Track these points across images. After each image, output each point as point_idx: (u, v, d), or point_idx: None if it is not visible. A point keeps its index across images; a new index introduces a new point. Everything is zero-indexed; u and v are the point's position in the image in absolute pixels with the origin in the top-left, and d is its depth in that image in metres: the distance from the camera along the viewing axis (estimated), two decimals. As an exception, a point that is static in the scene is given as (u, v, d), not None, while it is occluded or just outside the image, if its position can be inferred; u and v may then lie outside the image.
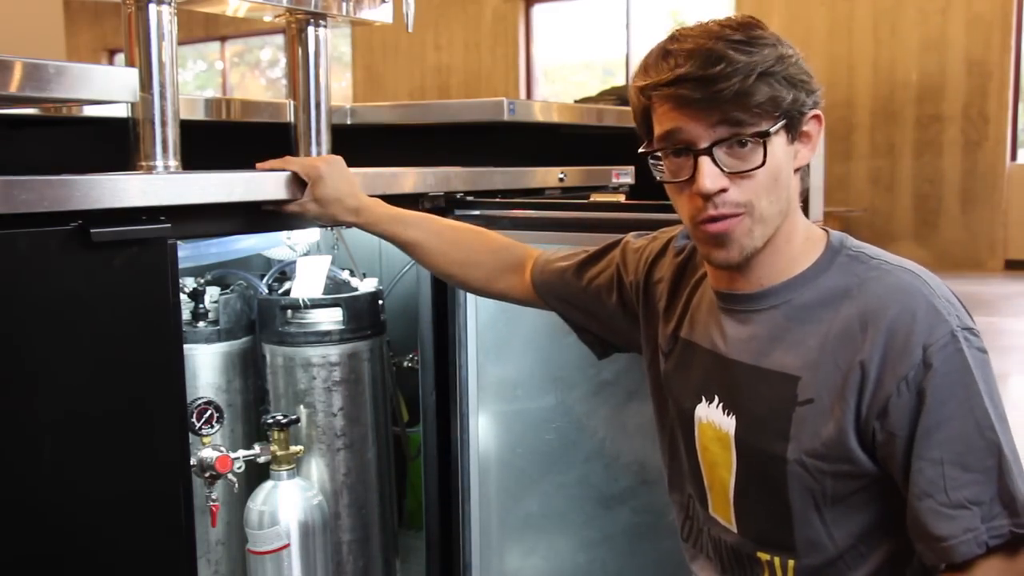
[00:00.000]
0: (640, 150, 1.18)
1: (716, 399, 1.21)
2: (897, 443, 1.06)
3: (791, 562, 1.17)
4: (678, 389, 1.29)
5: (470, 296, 1.89)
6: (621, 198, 2.29)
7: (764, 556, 1.19)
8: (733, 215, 1.11)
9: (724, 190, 1.10)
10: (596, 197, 2.22)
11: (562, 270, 1.49)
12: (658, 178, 1.17)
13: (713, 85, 1.06)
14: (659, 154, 1.15)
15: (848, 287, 1.13)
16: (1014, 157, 8.45)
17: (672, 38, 1.12)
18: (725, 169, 1.09)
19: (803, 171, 1.18)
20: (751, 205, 1.11)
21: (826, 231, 1.20)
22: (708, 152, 1.09)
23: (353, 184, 1.55)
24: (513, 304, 1.60)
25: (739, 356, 1.19)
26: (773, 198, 1.12)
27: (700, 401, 1.24)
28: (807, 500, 1.13)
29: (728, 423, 1.19)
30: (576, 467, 1.87)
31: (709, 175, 1.09)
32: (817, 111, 1.15)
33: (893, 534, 1.13)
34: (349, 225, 1.59)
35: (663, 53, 1.12)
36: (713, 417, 1.22)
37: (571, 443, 1.87)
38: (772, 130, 1.09)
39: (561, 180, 2.17)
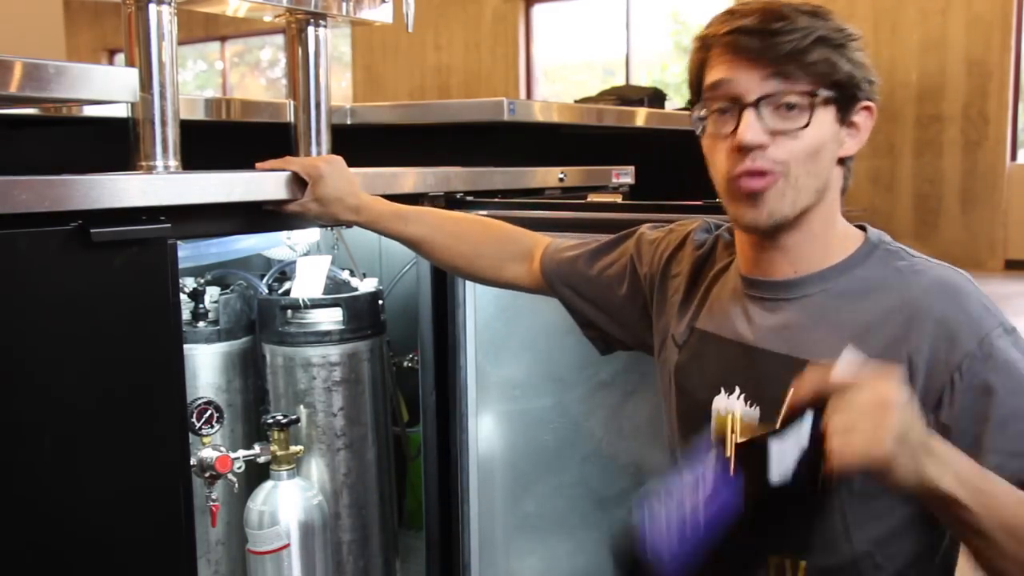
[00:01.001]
0: (687, 102, 1.19)
1: (737, 390, 1.19)
2: (954, 435, 1.04)
3: (803, 563, 1.14)
4: (693, 381, 1.27)
5: (469, 296, 1.89)
6: (618, 198, 2.29)
7: (774, 558, 1.16)
8: (770, 172, 1.10)
9: (763, 147, 1.10)
10: (593, 197, 2.22)
11: (573, 259, 1.48)
12: (698, 131, 1.17)
13: (771, 38, 1.08)
14: (703, 112, 1.16)
15: (886, 279, 1.13)
16: (1014, 157, 8.44)
17: (739, 3, 1.14)
18: (768, 126, 1.10)
19: (847, 168, 1.18)
20: (787, 166, 1.10)
21: (864, 228, 1.20)
22: (755, 105, 1.09)
23: (353, 183, 1.55)
24: (521, 293, 1.58)
25: (769, 345, 1.17)
26: (811, 169, 1.11)
27: (718, 392, 1.21)
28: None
29: (752, 414, 1.17)
30: (574, 468, 1.87)
31: (751, 127, 1.09)
32: (870, 103, 1.15)
33: (910, 544, 1.12)
34: (350, 224, 1.59)
35: (729, 11, 1.14)
36: (733, 407, 1.19)
37: (569, 444, 1.87)
38: (822, 94, 1.09)
39: (561, 180, 2.17)
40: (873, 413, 0.90)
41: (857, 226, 1.21)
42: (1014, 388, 1.03)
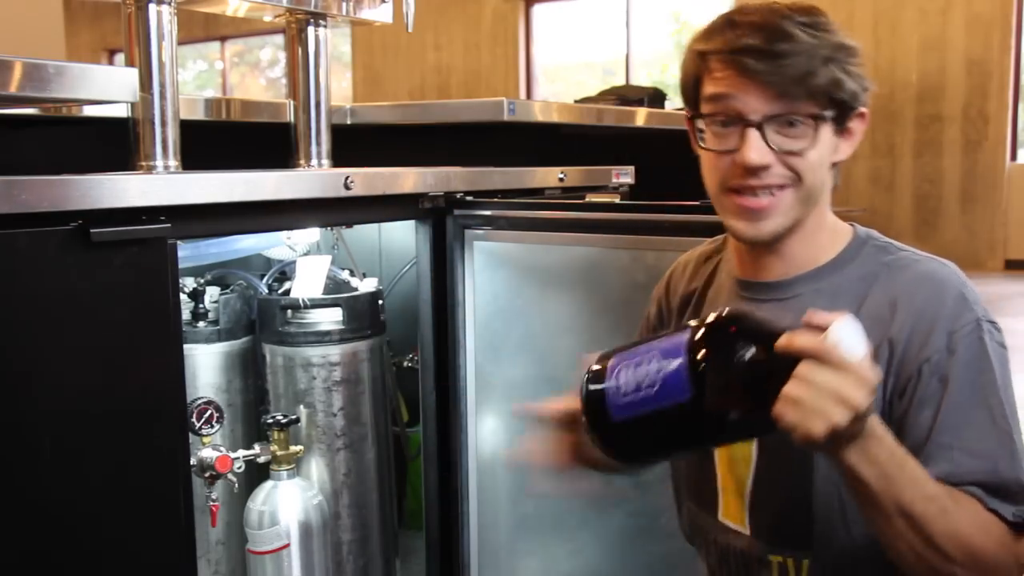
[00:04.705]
0: (687, 115, 1.18)
1: None
2: (909, 423, 1.06)
3: (805, 562, 1.15)
4: None
5: (469, 296, 1.89)
6: (616, 198, 2.29)
7: (776, 558, 1.17)
8: (779, 187, 1.11)
9: (768, 166, 1.11)
10: (591, 197, 2.22)
11: None
12: (700, 144, 1.17)
13: (778, 60, 1.07)
14: (701, 123, 1.15)
15: (876, 273, 1.14)
16: (1014, 157, 8.44)
17: (737, 11, 1.13)
18: (773, 146, 1.10)
19: (837, 169, 1.19)
20: (796, 180, 1.12)
21: (852, 225, 1.21)
22: (759, 126, 1.10)
23: None
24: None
25: None
26: (817, 182, 1.13)
27: None
28: (830, 488, 1.12)
29: None
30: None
31: (756, 148, 1.10)
32: (863, 109, 1.16)
33: None
34: None
35: (728, 22, 1.12)
36: None
37: (569, 444, 1.87)
38: (826, 114, 1.10)
39: (561, 180, 2.17)
40: (827, 401, 0.91)
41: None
42: (962, 384, 1.06)
